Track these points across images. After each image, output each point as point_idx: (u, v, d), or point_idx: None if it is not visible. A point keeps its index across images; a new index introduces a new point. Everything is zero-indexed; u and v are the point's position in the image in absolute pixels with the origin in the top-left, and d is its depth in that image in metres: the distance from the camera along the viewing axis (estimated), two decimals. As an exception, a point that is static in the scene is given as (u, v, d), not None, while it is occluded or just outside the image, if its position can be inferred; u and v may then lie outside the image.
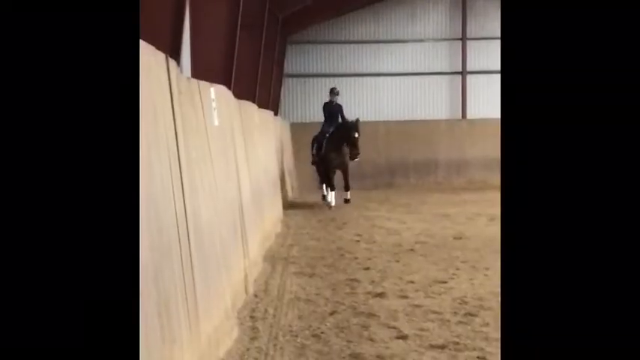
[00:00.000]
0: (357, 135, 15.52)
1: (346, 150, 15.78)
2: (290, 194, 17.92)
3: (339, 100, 16.81)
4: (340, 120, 16.18)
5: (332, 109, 16.49)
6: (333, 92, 16.63)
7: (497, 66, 21.89)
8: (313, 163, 16.98)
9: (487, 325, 5.94)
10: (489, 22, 22.94)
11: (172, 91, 4.50)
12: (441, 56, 23.59)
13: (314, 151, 16.67)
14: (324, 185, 16.62)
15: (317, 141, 16.58)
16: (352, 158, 15.82)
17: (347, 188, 16.28)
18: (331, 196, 15.92)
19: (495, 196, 14.29)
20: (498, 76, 21.83)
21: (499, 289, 6.56)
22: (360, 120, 16.17)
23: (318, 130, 16.79)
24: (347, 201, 16.19)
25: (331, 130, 16.13)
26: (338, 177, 16.32)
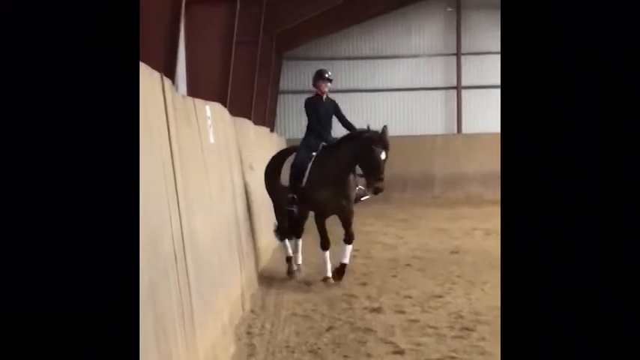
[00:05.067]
0: (384, 156, 8.48)
1: (352, 182, 8.91)
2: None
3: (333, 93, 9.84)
4: (344, 127, 9.14)
5: (321, 109, 9.20)
6: (321, 76, 9.22)
7: (492, 81, 21.97)
8: (278, 207, 9.73)
9: (483, 339, 5.95)
10: (483, 37, 23.05)
11: (167, 110, 4.53)
12: (436, 71, 23.69)
13: (291, 181, 9.01)
14: (295, 238, 9.54)
15: (294, 167, 9.07)
16: (376, 192, 8.56)
17: (349, 241, 8.93)
18: (299, 259, 9.47)
19: (492, 210, 14.35)
20: (493, 91, 21.94)
21: (496, 304, 6.62)
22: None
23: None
24: (343, 268, 8.89)
25: (321, 145, 9.07)
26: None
